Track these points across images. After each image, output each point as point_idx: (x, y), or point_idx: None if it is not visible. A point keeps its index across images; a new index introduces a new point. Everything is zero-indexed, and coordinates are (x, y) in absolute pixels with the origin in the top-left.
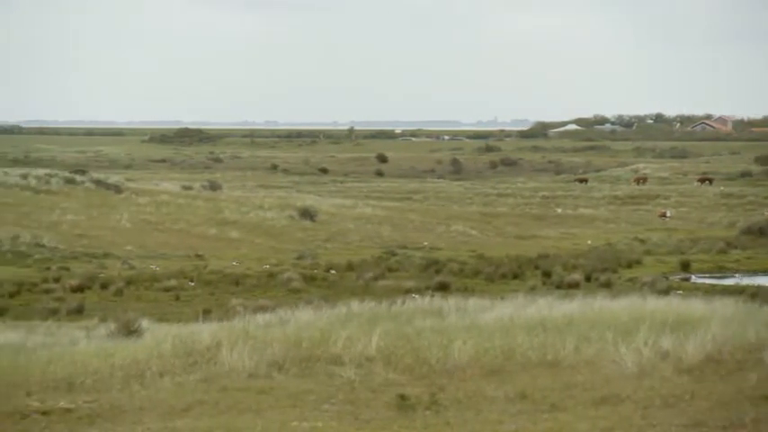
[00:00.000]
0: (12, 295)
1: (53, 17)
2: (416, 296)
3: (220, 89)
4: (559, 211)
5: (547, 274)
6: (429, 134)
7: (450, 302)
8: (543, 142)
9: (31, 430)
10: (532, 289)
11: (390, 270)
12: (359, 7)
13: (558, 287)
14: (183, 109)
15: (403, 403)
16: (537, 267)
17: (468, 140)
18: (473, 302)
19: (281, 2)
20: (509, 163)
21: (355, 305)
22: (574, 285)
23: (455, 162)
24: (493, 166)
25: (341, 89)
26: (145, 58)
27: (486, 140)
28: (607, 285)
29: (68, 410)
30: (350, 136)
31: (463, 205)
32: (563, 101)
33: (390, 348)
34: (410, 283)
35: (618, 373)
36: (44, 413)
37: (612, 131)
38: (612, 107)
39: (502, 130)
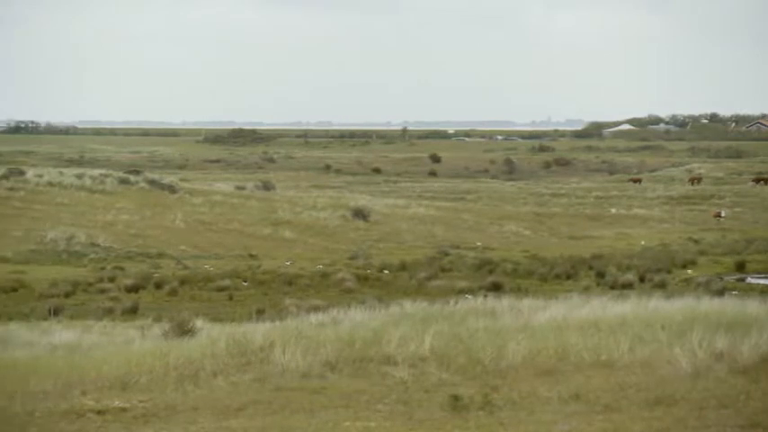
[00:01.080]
0: (67, 295)
1: (109, 18)
2: (469, 296)
3: (274, 90)
4: (613, 211)
5: (600, 275)
6: (482, 134)
7: (504, 303)
8: (597, 142)
9: (87, 429)
10: (586, 289)
11: (443, 270)
12: (414, 7)
13: (612, 287)
14: (236, 109)
15: (456, 403)
16: (590, 268)
17: (521, 140)
18: (526, 303)
19: (336, 2)
20: (563, 163)
21: (408, 305)
22: (628, 286)
23: (508, 162)
24: (546, 166)
25: (395, 89)
26: (199, 59)
27: (539, 140)
28: (661, 286)
29: (123, 410)
30: (403, 136)
31: (516, 205)
32: (617, 101)
33: (443, 349)
34: (463, 284)
35: (672, 373)
36: (99, 412)
37: (667, 131)
38: (667, 107)
39: (556, 130)
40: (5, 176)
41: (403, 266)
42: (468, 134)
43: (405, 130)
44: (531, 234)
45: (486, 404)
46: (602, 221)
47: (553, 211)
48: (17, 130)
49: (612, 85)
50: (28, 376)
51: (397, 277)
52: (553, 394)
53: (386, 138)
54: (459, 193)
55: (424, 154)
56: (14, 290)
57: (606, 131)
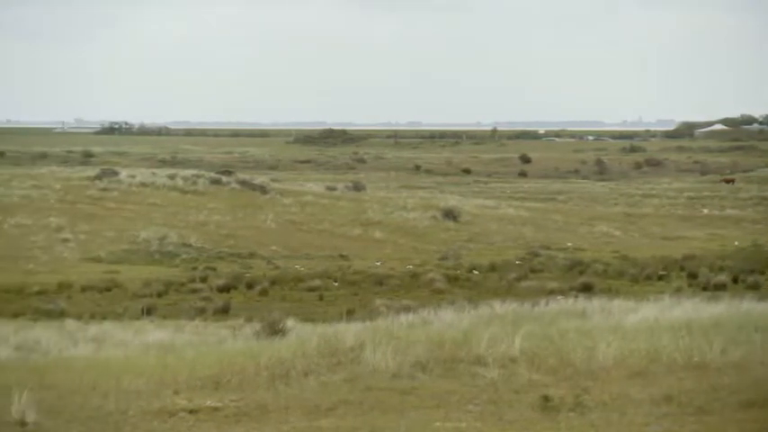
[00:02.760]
0: (160, 295)
1: (201, 20)
2: (560, 297)
3: (365, 90)
4: (705, 211)
5: (693, 276)
6: (573, 134)
7: (594, 304)
8: (689, 142)
9: (179, 428)
10: (678, 290)
11: (533, 271)
12: (503, 7)
13: (705, 289)
14: (327, 110)
15: (547, 404)
16: (682, 269)
17: (612, 141)
18: (617, 304)
19: (425, 3)
20: (654, 163)
21: (498, 306)
22: (720, 287)
23: (599, 162)
24: (637, 166)
25: (484, 90)
26: (290, 60)
27: (630, 141)
28: (755, 287)
29: (215, 409)
30: (493, 136)
31: (607, 206)
32: (710, 101)
33: (534, 349)
34: (553, 284)
35: (766, 376)
36: (191, 411)
37: (760, 131)
38: (761, 107)
39: (647, 131)
40: (99, 177)
41: (493, 267)
42: (558, 134)
43: (495, 131)
44: (622, 235)
45: (577, 405)
46: (694, 222)
47: (644, 211)
48: (111, 130)
49: (705, 84)
50: (121, 375)
51: (486, 278)
52: (644, 396)
53: (476, 138)
54: (549, 193)
55: (515, 154)
56: (108, 290)
57: (698, 131)
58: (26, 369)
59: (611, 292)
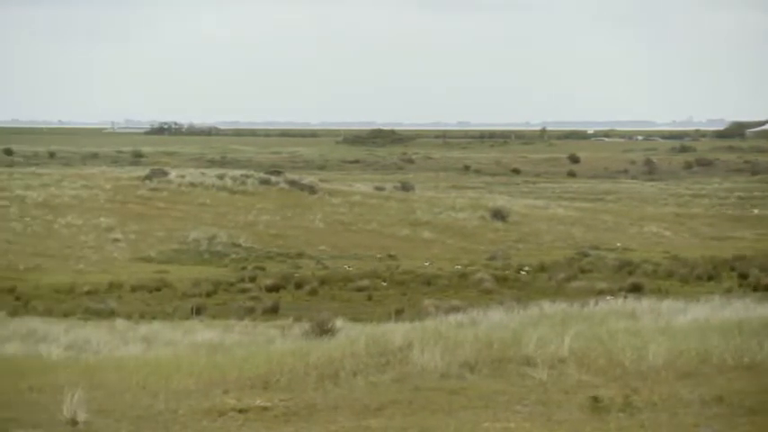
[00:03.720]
0: (209, 294)
1: (251, 19)
2: (609, 297)
3: (414, 90)
4: (756, 211)
5: (743, 276)
6: (622, 134)
7: (644, 304)
8: (739, 142)
9: (229, 428)
10: (728, 291)
11: (583, 271)
12: (551, 7)
13: (755, 289)
14: (376, 110)
15: (596, 405)
16: (733, 269)
17: (662, 141)
18: (667, 304)
19: (476, 3)
20: (704, 163)
21: (547, 306)
22: None
23: (649, 162)
24: (687, 166)
25: (533, 90)
26: (339, 60)
27: (680, 141)
28: None
29: (265, 409)
30: (542, 136)
31: (657, 206)
32: (761, 100)
33: (583, 350)
34: (603, 285)
35: None
36: (241, 411)
37: None
38: None
39: (697, 131)
40: (149, 177)
41: (542, 267)
42: (607, 134)
43: (544, 131)
44: (672, 235)
45: (627, 406)
46: (745, 222)
47: (694, 211)
48: (161, 131)
49: (756, 84)
50: (171, 375)
51: (535, 278)
52: (695, 397)
53: (525, 138)
54: (598, 193)
55: (563, 154)
56: (158, 289)
57: (749, 131)
58: (77, 368)
59: (660, 293)
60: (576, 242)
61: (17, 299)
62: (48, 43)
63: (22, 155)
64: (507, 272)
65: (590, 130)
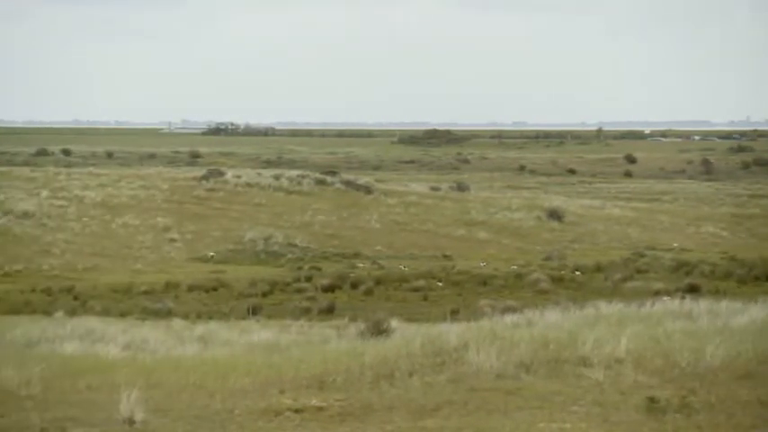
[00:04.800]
0: (265, 294)
1: (307, 21)
2: (666, 298)
3: (470, 91)
4: None
5: None
6: (679, 134)
7: (701, 305)
8: None
9: (285, 428)
10: None
11: (639, 271)
12: (607, 7)
13: None
14: (431, 110)
15: (652, 406)
16: None
17: (719, 140)
18: (725, 305)
19: (531, 3)
20: (762, 163)
21: (603, 306)
22: None
23: (706, 162)
24: (745, 166)
25: (589, 90)
26: (395, 61)
27: (738, 140)
28: None
29: (320, 409)
30: (598, 137)
31: (714, 206)
32: None
33: (640, 350)
34: (659, 285)
35: None
36: (297, 411)
37: None
38: None
39: (755, 130)
40: (206, 177)
41: (598, 267)
42: (664, 134)
43: (599, 131)
44: (729, 235)
45: (684, 407)
46: None
47: (752, 212)
48: (217, 131)
49: None
50: (227, 374)
51: (591, 278)
52: (752, 398)
53: (581, 138)
54: (654, 193)
55: (620, 154)
56: (215, 289)
57: None
58: (134, 368)
59: (718, 294)
60: (632, 242)
61: (75, 298)
62: (106, 44)
63: (80, 155)
64: (563, 272)
65: (646, 130)
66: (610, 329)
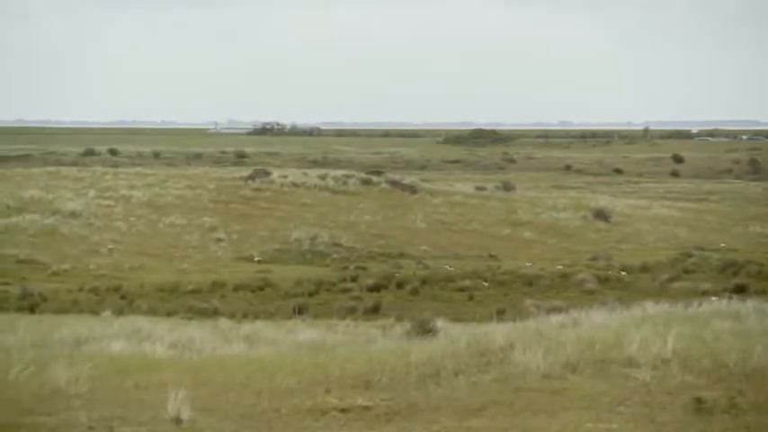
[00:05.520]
0: (311, 294)
1: (351, 20)
2: (714, 298)
3: (515, 90)
4: None
5: None
6: (726, 134)
7: (749, 305)
8: None
9: (331, 427)
10: None
11: (686, 272)
12: (655, 7)
13: None
14: (477, 110)
15: (700, 406)
16: None
17: (766, 140)
18: None
19: (579, 2)
20: None
21: (650, 307)
22: None
23: (753, 162)
24: None
25: (635, 89)
26: (441, 60)
27: None
28: None
29: (366, 408)
30: (645, 136)
31: (761, 206)
32: None
33: (687, 351)
34: (706, 285)
35: None
36: (342, 410)
37: None
38: None
39: None
40: (252, 177)
41: (644, 268)
42: (711, 134)
43: (646, 130)
44: None
45: (731, 408)
46: None
47: None
48: (263, 131)
49: None
50: (274, 374)
51: (638, 278)
52: None
53: (627, 138)
54: (702, 193)
55: (667, 154)
56: (261, 289)
57: None
58: (181, 367)
59: (765, 294)
60: (679, 242)
61: (122, 298)
62: (151, 44)
63: (127, 155)
64: (609, 272)
65: (694, 130)
66: (656, 330)
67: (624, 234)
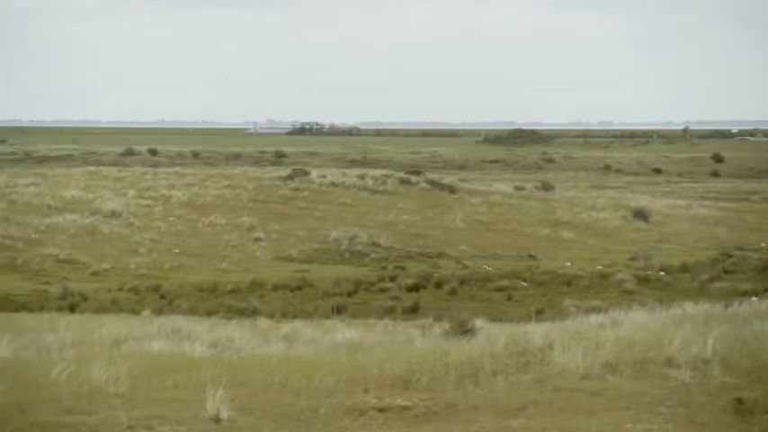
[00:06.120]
0: (350, 294)
1: (399, 21)
2: (754, 298)
3: (554, 90)
4: None
5: None
6: (767, 133)
7: None
8: None
9: (370, 426)
10: None
11: (726, 272)
12: (697, 6)
13: None
14: (516, 110)
15: (740, 407)
16: None
17: None
18: None
19: (623, 2)
20: None
21: (690, 307)
22: None
23: None
24: None
25: (675, 89)
26: (479, 60)
27: None
28: None
29: (405, 408)
30: (685, 136)
31: None
32: None
33: (727, 351)
34: (747, 285)
35: None
36: (381, 410)
37: None
38: None
39: None
40: (291, 177)
41: (684, 268)
42: (751, 133)
43: (686, 130)
44: None
45: None
46: None
47: None
48: (302, 131)
49: None
50: (312, 373)
51: (677, 279)
52: None
53: (667, 137)
54: (742, 193)
55: (707, 154)
56: (299, 288)
57: None
58: (220, 366)
59: None
60: (719, 242)
61: (162, 297)
62: (191, 45)
63: (167, 155)
64: (649, 272)
65: (734, 130)
66: (696, 330)
67: (664, 234)
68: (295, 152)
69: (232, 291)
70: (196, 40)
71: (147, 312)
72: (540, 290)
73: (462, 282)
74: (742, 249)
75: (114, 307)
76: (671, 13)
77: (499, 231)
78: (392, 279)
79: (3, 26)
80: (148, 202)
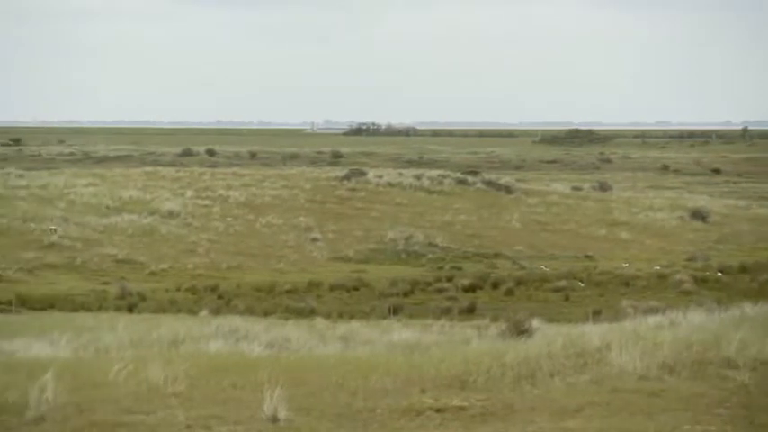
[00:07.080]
0: (406, 294)
1: (444, 19)
2: None
3: (612, 90)
4: None
5: None
6: None
7: None
8: None
9: (427, 426)
10: None
11: None
12: (757, 4)
13: None
14: (574, 110)
15: None
16: None
17: None
18: None
19: (673, 1)
20: None
21: (749, 308)
22: None
23: None
24: None
25: (734, 88)
26: (536, 60)
27: None
28: None
29: (462, 408)
30: (744, 136)
31: None
32: None
33: None
34: None
35: None
36: (438, 410)
37: None
38: None
39: None
40: (347, 177)
41: (743, 268)
42: None
43: (745, 130)
44: None
45: None
46: None
47: None
48: (359, 131)
49: None
50: (369, 373)
51: (736, 279)
52: None
53: (725, 137)
54: None
55: (766, 154)
56: (356, 288)
57: None
58: (277, 366)
59: None
60: None
61: (220, 297)
62: (249, 46)
63: (224, 155)
64: (707, 273)
65: None
66: (755, 331)
67: (722, 234)
68: (352, 152)
69: (289, 291)
70: (253, 42)
71: (204, 312)
72: (598, 290)
73: (519, 282)
74: None
75: (172, 307)
76: (728, 12)
77: (556, 232)
78: (449, 279)
79: (62, 28)
80: (206, 202)
